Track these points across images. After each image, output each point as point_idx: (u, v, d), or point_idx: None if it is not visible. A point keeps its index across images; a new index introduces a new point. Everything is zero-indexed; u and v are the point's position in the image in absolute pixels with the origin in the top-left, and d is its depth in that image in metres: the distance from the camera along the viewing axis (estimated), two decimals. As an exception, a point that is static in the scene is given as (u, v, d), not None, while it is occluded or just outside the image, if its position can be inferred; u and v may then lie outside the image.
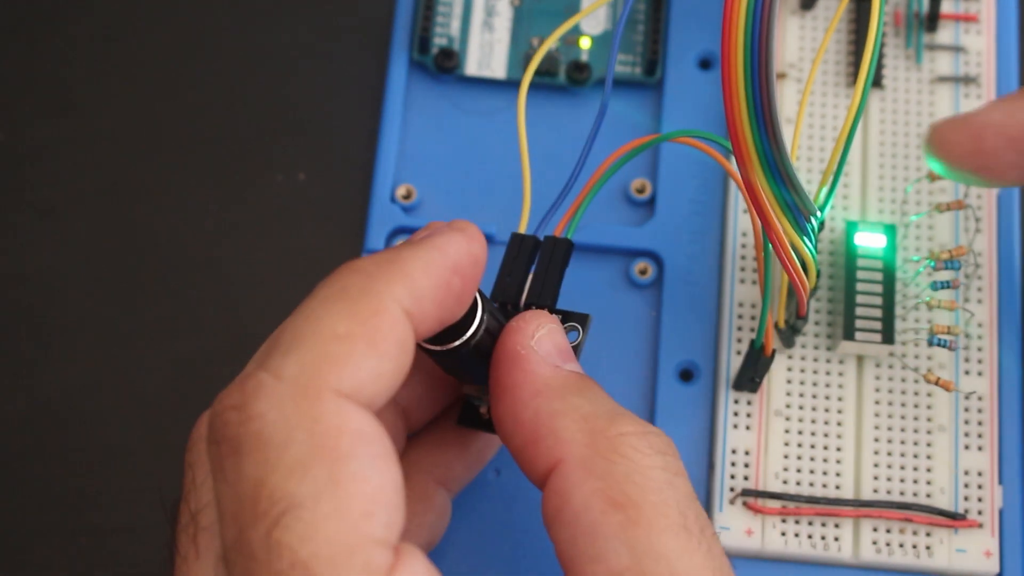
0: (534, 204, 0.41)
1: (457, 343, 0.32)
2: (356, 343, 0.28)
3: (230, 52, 0.45)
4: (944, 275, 0.40)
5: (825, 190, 0.38)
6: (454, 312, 0.31)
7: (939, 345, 0.39)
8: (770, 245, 0.34)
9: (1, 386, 0.42)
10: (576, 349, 0.35)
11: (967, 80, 0.43)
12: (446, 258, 0.30)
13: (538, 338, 0.33)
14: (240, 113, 0.44)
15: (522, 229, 0.36)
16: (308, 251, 0.43)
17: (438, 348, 0.32)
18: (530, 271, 0.35)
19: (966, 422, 0.40)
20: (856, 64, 0.43)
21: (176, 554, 0.30)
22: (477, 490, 0.40)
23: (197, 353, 0.42)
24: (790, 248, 0.35)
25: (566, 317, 0.36)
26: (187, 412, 0.33)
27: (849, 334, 0.39)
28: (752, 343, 0.39)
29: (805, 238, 0.36)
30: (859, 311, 0.39)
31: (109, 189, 0.44)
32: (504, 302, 0.35)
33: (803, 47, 0.43)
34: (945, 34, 0.44)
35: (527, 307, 0.35)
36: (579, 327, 0.35)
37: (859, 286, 0.39)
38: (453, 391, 0.36)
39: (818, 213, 0.36)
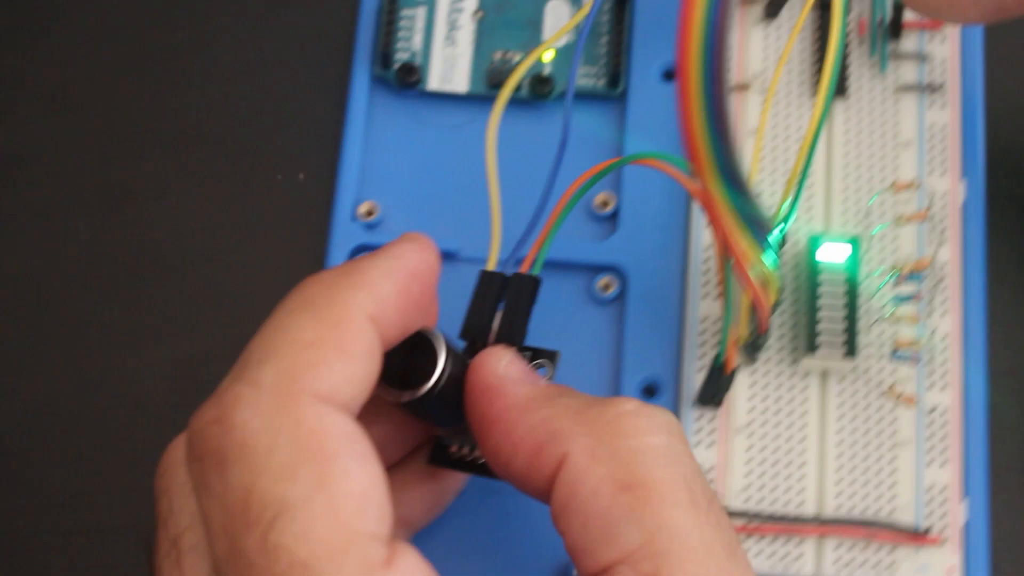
0: (503, 220, 0.41)
1: (423, 390, 0.32)
2: (327, 349, 0.29)
3: (230, 52, 0.45)
4: (907, 288, 0.40)
5: (788, 202, 0.38)
6: (415, 318, 0.32)
7: (902, 359, 0.39)
8: (730, 260, 0.34)
9: (1, 386, 0.42)
10: None
11: (932, 88, 0.43)
12: (404, 265, 0.31)
13: (505, 366, 0.33)
14: (240, 113, 0.44)
15: (491, 265, 0.36)
16: (308, 252, 0.43)
17: (405, 398, 0.32)
18: (498, 308, 0.36)
19: (930, 437, 0.39)
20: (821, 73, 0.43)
21: None
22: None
23: (197, 353, 0.42)
24: (749, 265, 0.35)
25: (536, 354, 0.36)
26: (187, 412, 0.33)
27: (811, 348, 0.39)
28: (714, 360, 0.39)
29: (766, 255, 0.35)
30: (821, 325, 0.39)
31: (109, 189, 0.44)
32: (474, 340, 0.35)
33: (767, 57, 0.43)
34: (909, 42, 0.43)
35: (498, 343, 0.35)
36: (549, 363, 0.36)
37: (821, 300, 0.39)
38: (421, 432, 0.36)
39: (777, 227, 0.36)
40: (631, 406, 0.31)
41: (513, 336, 0.35)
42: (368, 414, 0.32)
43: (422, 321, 0.32)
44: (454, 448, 0.35)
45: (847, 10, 0.37)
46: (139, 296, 0.43)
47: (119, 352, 0.42)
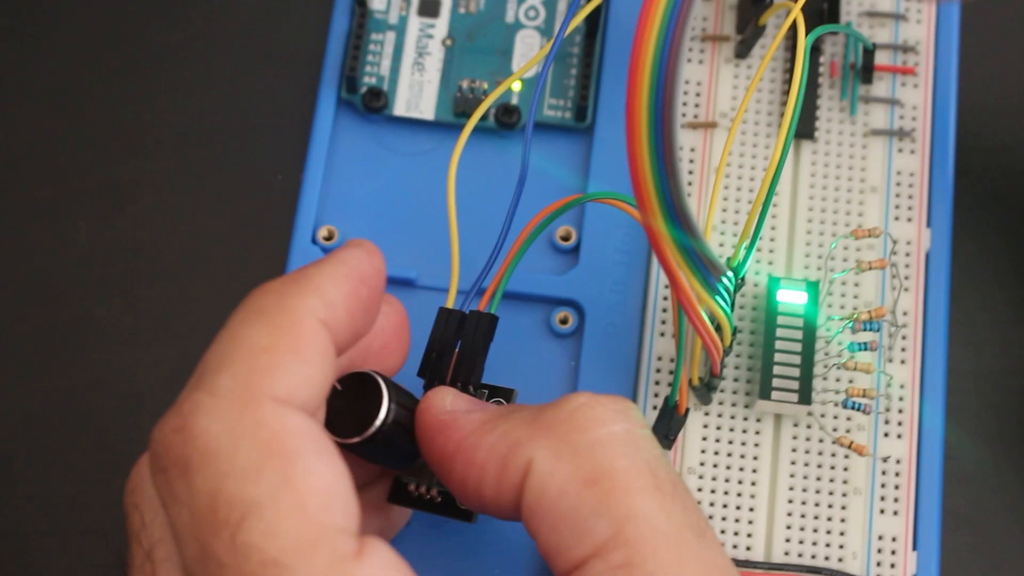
0: (463, 248, 0.41)
1: (368, 432, 0.32)
2: (281, 353, 0.29)
3: (230, 52, 0.45)
4: (864, 336, 0.39)
5: (745, 245, 0.38)
6: (364, 321, 0.32)
7: (854, 408, 0.38)
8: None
9: (1, 386, 0.42)
10: None
11: (902, 134, 0.42)
12: (351, 270, 0.32)
13: (451, 401, 0.33)
14: (240, 113, 0.44)
15: (449, 301, 0.36)
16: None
17: (352, 440, 0.32)
18: (457, 346, 0.35)
19: (883, 485, 0.39)
20: (791, 114, 0.43)
21: None
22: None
23: (196, 354, 0.42)
24: (699, 307, 0.34)
25: (492, 392, 0.36)
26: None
27: (765, 393, 0.38)
28: (666, 400, 0.38)
29: (717, 297, 0.35)
30: (777, 369, 0.38)
31: (109, 189, 0.44)
32: (432, 379, 0.35)
33: (737, 96, 0.43)
34: (881, 86, 0.43)
35: (453, 383, 0.35)
36: (504, 402, 0.35)
37: (778, 344, 0.39)
38: (372, 471, 0.36)
39: (728, 272, 0.35)
40: (583, 399, 0.31)
41: (469, 374, 0.35)
42: None
43: (371, 324, 0.33)
44: (412, 487, 0.35)
45: (808, 54, 0.37)
46: (139, 296, 0.43)
47: (119, 352, 0.42)
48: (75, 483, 0.41)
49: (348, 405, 0.32)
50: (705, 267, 0.33)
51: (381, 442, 0.32)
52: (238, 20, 0.46)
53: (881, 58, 0.43)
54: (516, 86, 0.43)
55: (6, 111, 0.45)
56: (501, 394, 0.36)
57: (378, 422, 0.32)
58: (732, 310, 0.37)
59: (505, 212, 0.37)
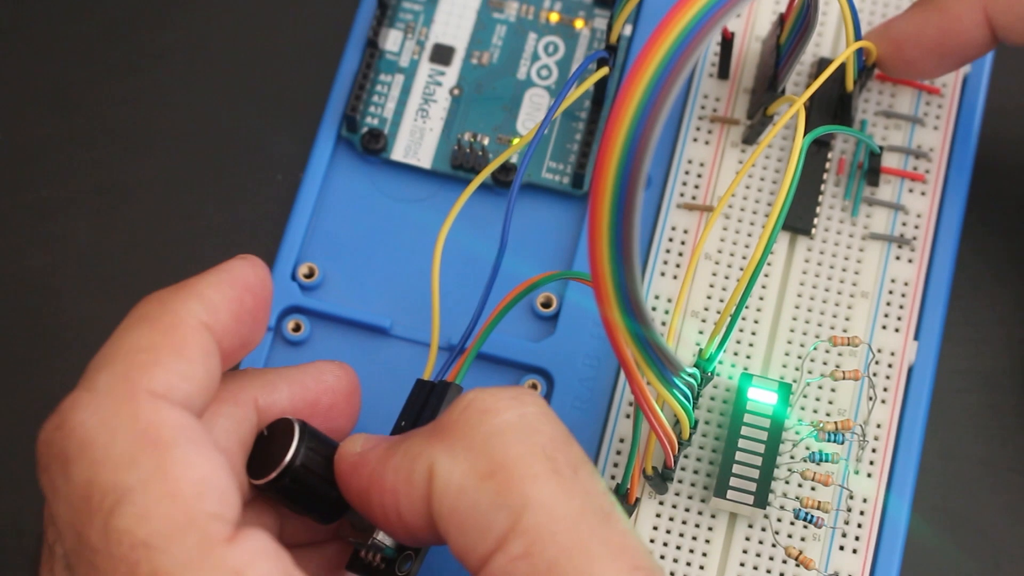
0: (444, 303, 0.41)
1: (275, 472, 0.32)
2: (160, 351, 0.30)
3: (230, 52, 0.45)
4: (828, 447, 0.38)
5: (717, 339, 0.37)
6: (252, 329, 0.33)
7: (807, 520, 0.37)
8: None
9: (1, 386, 0.42)
10: None
11: (902, 241, 0.41)
12: (234, 277, 0.32)
13: (362, 443, 0.33)
14: (240, 113, 0.44)
15: (427, 375, 0.36)
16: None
17: (262, 480, 0.32)
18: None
19: (830, 600, 0.38)
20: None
21: None
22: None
23: None
24: (652, 400, 0.34)
25: None
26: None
27: (721, 491, 0.37)
28: (617, 487, 0.37)
29: (675, 391, 0.34)
30: (736, 468, 0.38)
31: (109, 189, 0.44)
32: None
33: (740, 182, 0.42)
34: (888, 189, 0.42)
35: None
36: None
37: (741, 443, 0.38)
38: (325, 529, 0.36)
39: (687, 367, 0.35)
40: (472, 394, 0.31)
41: None
42: (259, 505, 0.33)
43: (259, 332, 0.33)
44: (362, 553, 0.34)
45: (804, 151, 0.36)
46: (139, 296, 0.42)
47: None
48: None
49: (267, 448, 0.32)
50: (661, 361, 0.32)
51: (294, 485, 0.32)
52: (247, 28, 0.45)
53: (891, 160, 0.42)
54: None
55: (6, 111, 0.45)
56: None
57: (285, 461, 0.32)
58: (695, 404, 0.37)
59: (494, 286, 0.37)
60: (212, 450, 0.29)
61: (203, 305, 0.31)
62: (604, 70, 0.40)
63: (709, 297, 0.41)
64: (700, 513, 0.39)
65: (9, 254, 0.43)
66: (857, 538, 0.39)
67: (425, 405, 0.35)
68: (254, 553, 0.28)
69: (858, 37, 0.39)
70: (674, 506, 0.39)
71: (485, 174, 0.39)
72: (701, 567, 0.38)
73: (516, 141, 0.42)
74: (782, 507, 0.38)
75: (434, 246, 0.37)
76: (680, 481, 0.39)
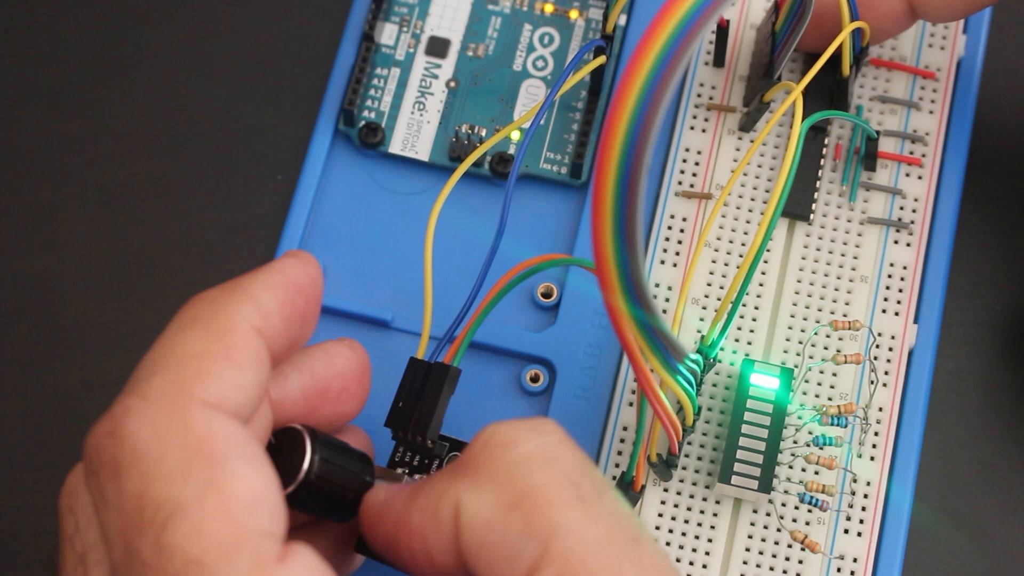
0: (442, 294, 0.41)
1: (294, 485, 0.32)
2: (213, 359, 0.30)
3: (228, 50, 0.45)
4: (832, 431, 0.38)
5: (719, 325, 0.37)
6: (301, 330, 0.32)
7: (812, 504, 0.37)
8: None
9: (1, 386, 0.42)
10: None
11: (900, 225, 0.41)
12: (286, 278, 0.32)
13: (385, 492, 0.33)
14: (240, 113, 0.44)
15: (420, 351, 0.36)
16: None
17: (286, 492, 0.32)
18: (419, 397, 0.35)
19: (836, 583, 0.38)
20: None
21: None
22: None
23: None
24: (656, 387, 0.34)
25: (453, 445, 0.36)
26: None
27: (726, 477, 0.38)
28: (622, 475, 0.37)
29: (679, 377, 0.34)
30: (740, 454, 0.38)
31: (109, 189, 0.44)
32: (396, 428, 0.35)
33: (735, 169, 0.42)
34: (884, 174, 0.42)
35: (414, 435, 0.35)
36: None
37: (745, 428, 0.38)
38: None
39: (691, 354, 0.35)
40: (492, 428, 0.31)
41: (425, 427, 0.34)
42: None
43: (308, 333, 0.33)
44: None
45: (803, 137, 0.36)
46: (139, 296, 0.43)
47: (119, 352, 0.42)
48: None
49: (278, 459, 0.31)
50: (665, 348, 0.32)
51: (309, 497, 0.32)
52: (244, 24, 0.45)
53: (888, 145, 0.42)
54: (515, 135, 0.43)
55: (6, 111, 0.45)
56: (460, 448, 0.35)
57: (300, 478, 0.32)
58: (698, 391, 0.37)
59: (492, 271, 0.37)
60: (263, 463, 0.29)
61: (256, 308, 0.31)
62: (601, 58, 0.40)
63: (709, 284, 0.41)
64: (705, 499, 0.39)
65: (10, 254, 0.43)
66: (861, 521, 0.39)
67: (424, 386, 0.35)
68: (304, 572, 0.28)
69: (854, 17, 0.39)
70: (679, 493, 0.39)
71: (482, 150, 0.38)
72: (707, 553, 0.38)
73: (516, 120, 0.42)
74: (786, 492, 0.39)
75: (426, 229, 0.37)
76: (684, 468, 0.39)
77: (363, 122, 0.43)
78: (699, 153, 0.42)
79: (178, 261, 0.43)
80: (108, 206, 0.44)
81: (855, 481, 0.39)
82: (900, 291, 0.41)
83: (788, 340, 0.40)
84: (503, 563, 0.29)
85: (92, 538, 0.30)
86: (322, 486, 0.32)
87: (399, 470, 0.36)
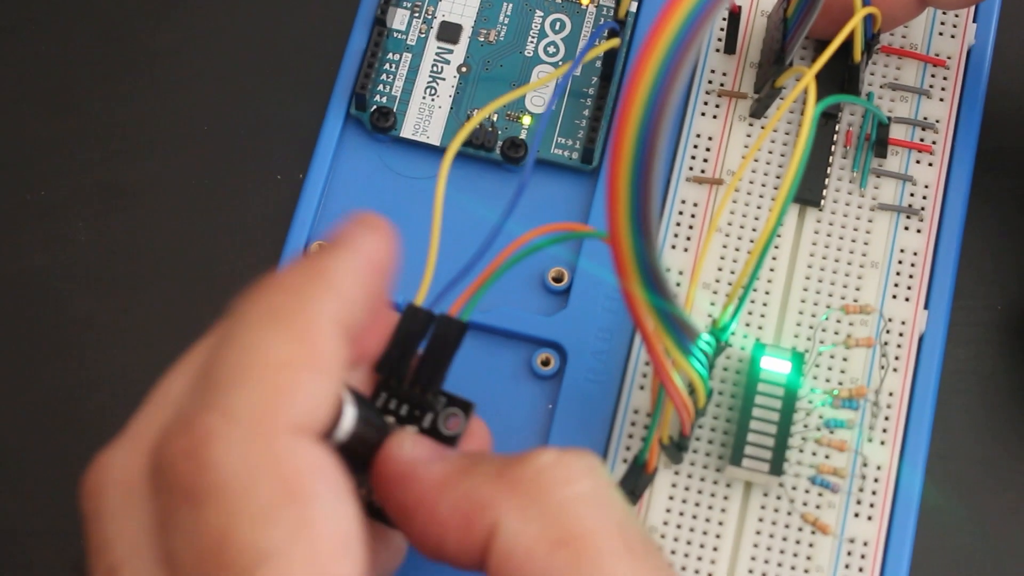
0: (451, 276, 0.41)
1: (336, 437, 0.30)
2: (301, 370, 0.28)
3: (232, 54, 0.45)
4: (843, 414, 0.39)
5: (731, 309, 0.37)
6: (378, 312, 0.31)
7: (823, 486, 0.38)
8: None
9: (1, 386, 0.42)
10: (456, 440, 0.34)
11: (910, 211, 0.42)
12: (367, 260, 0.30)
13: (410, 448, 0.31)
14: (240, 113, 0.44)
15: (420, 300, 0.35)
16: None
17: None
18: (419, 348, 0.34)
19: (847, 566, 0.38)
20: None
21: None
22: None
23: None
24: (670, 369, 0.34)
25: (451, 401, 0.34)
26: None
27: (736, 460, 0.38)
28: (635, 458, 0.38)
29: (692, 359, 0.34)
30: (751, 437, 0.38)
31: (109, 189, 0.44)
32: (389, 376, 0.34)
33: (746, 155, 0.42)
34: (895, 161, 0.42)
35: (412, 387, 0.34)
36: (461, 413, 0.34)
37: (756, 411, 0.38)
38: None
39: (704, 335, 0.35)
40: (550, 457, 0.30)
41: (431, 379, 0.33)
42: None
43: (383, 313, 0.31)
44: (363, 491, 0.33)
45: (815, 122, 0.36)
46: (139, 296, 0.43)
47: (119, 352, 0.42)
48: (74, 483, 0.41)
49: None
50: (680, 330, 0.33)
51: (341, 453, 0.30)
52: (249, 22, 0.45)
53: (898, 132, 0.42)
54: (526, 121, 0.43)
55: (6, 111, 0.45)
56: (459, 404, 0.34)
57: (342, 433, 0.30)
58: (710, 373, 0.37)
59: (503, 247, 0.36)
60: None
61: (340, 302, 0.29)
62: (615, 40, 0.40)
63: (720, 269, 0.41)
64: (716, 482, 0.39)
65: (10, 254, 0.43)
66: (872, 505, 0.39)
67: (432, 337, 0.34)
68: None
69: (866, 3, 0.39)
70: (689, 476, 0.39)
71: (472, 125, 0.38)
72: (718, 536, 0.39)
73: (532, 83, 0.41)
74: (797, 475, 0.39)
75: (435, 191, 0.36)
76: (695, 451, 0.39)
77: (375, 106, 0.43)
78: (710, 139, 0.42)
79: (179, 261, 0.43)
80: (108, 206, 0.44)
81: (865, 465, 0.39)
82: (911, 277, 0.41)
83: (799, 324, 0.40)
84: None
85: (124, 551, 0.28)
86: (355, 446, 0.31)
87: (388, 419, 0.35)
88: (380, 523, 0.34)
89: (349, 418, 0.30)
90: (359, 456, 0.32)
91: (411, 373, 0.34)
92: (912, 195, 0.42)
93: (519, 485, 0.30)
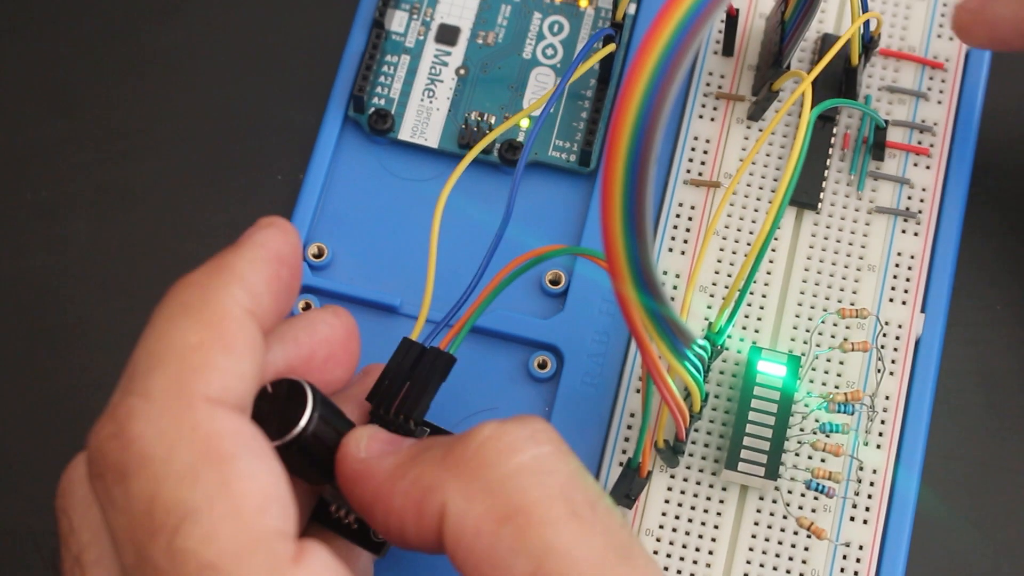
0: (448, 281, 0.41)
1: (290, 435, 0.31)
2: (211, 350, 0.29)
3: (232, 55, 0.45)
4: (839, 418, 0.39)
5: (727, 312, 0.37)
6: (287, 302, 0.32)
7: (818, 490, 0.38)
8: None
9: (1, 386, 0.42)
10: None
11: (907, 215, 0.42)
12: (269, 252, 0.31)
13: (365, 446, 0.32)
14: (240, 113, 0.44)
15: (415, 334, 0.36)
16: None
17: (273, 444, 0.31)
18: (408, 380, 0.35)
19: (842, 571, 0.38)
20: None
21: None
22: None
23: None
24: (664, 373, 0.34)
25: (434, 431, 0.35)
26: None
27: (732, 464, 0.38)
28: (629, 461, 0.38)
29: (687, 363, 0.34)
30: (747, 441, 0.38)
31: (109, 189, 0.44)
32: (378, 405, 0.35)
33: (744, 158, 0.42)
34: (892, 164, 0.42)
35: (397, 414, 0.34)
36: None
37: (752, 415, 0.38)
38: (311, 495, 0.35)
39: (699, 340, 0.35)
40: (489, 430, 0.30)
41: (412, 409, 0.34)
42: None
43: (291, 303, 0.32)
44: (332, 508, 0.34)
45: (812, 126, 0.36)
46: (139, 296, 0.43)
47: (118, 352, 0.42)
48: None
49: (271, 408, 0.31)
50: (674, 333, 0.33)
51: (299, 451, 0.31)
52: (249, 24, 0.45)
53: (896, 135, 0.42)
54: (524, 123, 0.43)
55: (6, 111, 0.45)
56: (442, 434, 0.35)
57: (296, 431, 0.31)
58: (705, 377, 0.37)
59: (501, 252, 0.37)
60: (270, 458, 0.29)
61: (245, 290, 0.30)
62: (611, 46, 0.40)
63: (717, 272, 0.41)
64: (711, 486, 0.39)
65: (10, 254, 0.43)
66: (867, 509, 0.39)
67: (415, 368, 0.35)
68: (320, 572, 0.28)
69: (864, 9, 0.39)
70: (685, 479, 0.39)
71: (483, 144, 0.38)
72: (713, 539, 0.39)
73: (525, 108, 0.42)
74: (792, 479, 0.39)
75: (433, 214, 0.37)
76: (691, 455, 0.39)
77: (373, 109, 0.43)
78: (708, 142, 0.42)
79: (179, 260, 0.43)
80: (108, 206, 0.44)
81: (861, 468, 0.39)
82: (908, 280, 0.41)
83: (795, 328, 0.41)
84: (492, 573, 0.29)
85: (87, 538, 0.30)
86: (312, 446, 0.31)
87: None
88: (356, 543, 0.34)
89: (306, 416, 0.31)
90: (324, 459, 0.32)
91: (398, 402, 0.34)
92: (909, 198, 0.42)
93: (461, 464, 0.30)
